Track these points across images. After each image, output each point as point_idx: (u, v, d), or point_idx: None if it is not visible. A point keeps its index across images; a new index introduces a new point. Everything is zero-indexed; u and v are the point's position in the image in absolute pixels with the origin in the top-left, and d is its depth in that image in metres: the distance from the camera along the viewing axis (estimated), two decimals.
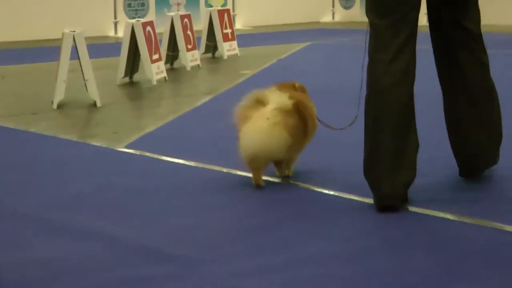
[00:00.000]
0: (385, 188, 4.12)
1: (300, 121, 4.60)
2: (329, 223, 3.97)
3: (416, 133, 4.25)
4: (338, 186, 4.57)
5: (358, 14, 18.24)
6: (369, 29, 4.29)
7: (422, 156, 5.12)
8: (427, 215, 4.06)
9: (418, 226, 3.92)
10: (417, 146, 4.26)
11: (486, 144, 4.56)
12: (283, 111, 4.49)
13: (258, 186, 4.58)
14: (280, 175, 4.77)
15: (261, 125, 4.44)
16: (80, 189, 4.67)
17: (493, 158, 4.67)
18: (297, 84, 4.87)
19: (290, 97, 4.60)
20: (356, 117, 4.56)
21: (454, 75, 4.48)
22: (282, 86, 4.75)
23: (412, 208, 4.15)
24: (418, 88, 4.36)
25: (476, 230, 3.85)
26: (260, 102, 4.55)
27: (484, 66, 4.49)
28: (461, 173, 4.68)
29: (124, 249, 3.66)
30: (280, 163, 4.70)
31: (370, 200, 4.28)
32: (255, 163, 4.53)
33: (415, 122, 4.26)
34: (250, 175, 4.81)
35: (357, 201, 4.33)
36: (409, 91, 4.19)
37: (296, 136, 4.56)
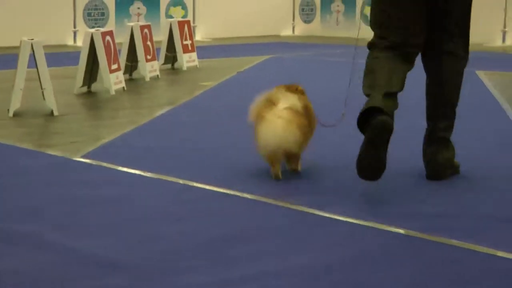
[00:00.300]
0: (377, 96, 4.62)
1: (307, 119, 5.03)
2: (287, 238, 3.98)
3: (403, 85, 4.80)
4: (298, 201, 4.58)
5: (318, 28, 18.35)
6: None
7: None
8: (384, 230, 4.08)
9: (376, 241, 3.94)
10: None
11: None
12: (293, 110, 4.94)
13: (277, 178, 5.00)
14: (291, 169, 5.15)
15: (275, 123, 4.87)
16: (35, 199, 4.63)
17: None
18: (299, 88, 5.21)
19: (299, 98, 5.06)
20: (343, 114, 5.02)
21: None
22: (286, 88, 5.17)
23: (369, 223, 4.17)
24: None
25: (433, 246, 3.88)
26: (271, 102, 5.00)
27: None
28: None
29: (81, 261, 3.63)
30: (293, 157, 5.10)
31: (328, 215, 4.30)
32: (272, 157, 4.98)
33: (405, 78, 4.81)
34: (207, 187, 4.83)
35: (316, 215, 4.34)
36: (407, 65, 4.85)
37: (305, 133, 4.98)
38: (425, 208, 4.47)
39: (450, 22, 4.96)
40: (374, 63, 4.85)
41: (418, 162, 5.22)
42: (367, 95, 4.73)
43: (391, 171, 5.25)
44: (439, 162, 5.04)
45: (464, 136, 5.64)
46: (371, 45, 4.98)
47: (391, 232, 4.05)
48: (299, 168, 5.20)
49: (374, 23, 4.98)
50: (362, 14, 17.53)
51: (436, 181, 5.01)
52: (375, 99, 4.61)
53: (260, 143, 4.96)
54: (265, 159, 5.05)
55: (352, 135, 6.44)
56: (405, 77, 4.82)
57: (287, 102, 4.99)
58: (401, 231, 4.05)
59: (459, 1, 4.96)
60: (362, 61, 5.01)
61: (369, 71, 4.84)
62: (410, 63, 4.88)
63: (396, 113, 4.76)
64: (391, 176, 5.14)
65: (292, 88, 5.18)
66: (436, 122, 5.06)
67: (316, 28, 18.39)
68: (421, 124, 5.17)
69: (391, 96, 4.69)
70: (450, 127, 5.10)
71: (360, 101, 4.74)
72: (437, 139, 5.06)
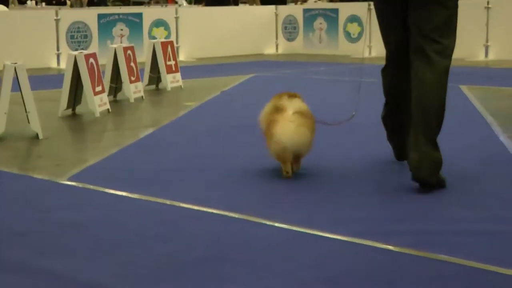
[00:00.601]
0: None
1: (311, 120, 5.57)
2: (273, 257, 3.97)
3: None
4: (283, 219, 4.58)
5: (301, 46, 18.40)
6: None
7: (363, 189, 5.17)
8: (370, 246, 4.08)
9: (361, 257, 3.94)
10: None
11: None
12: (302, 114, 5.50)
13: (287, 175, 5.48)
14: (296, 170, 5.59)
15: (288, 127, 5.41)
16: (19, 223, 4.61)
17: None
18: (297, 94, 5.74)
19: (302, 103, 5.63)
20: (353, 114, 6.00)
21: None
22: (287, 95, 5.69)
23: (355, 240, 4.17)
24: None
25: (421, 261, 3.88)
26: (280, 108, 5.52)
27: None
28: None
29: (64, 285, 3.61)
30: (299, 157, 5.58)
31: (315, 232, 4.30)
32: (285, 156, 5.46)
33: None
34: (193, 207, 4.83)
35: (302, 233, 4.34)
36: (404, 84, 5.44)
37: (312, 133, 5.53)
38: (412, 224, 4.47)
39: (427, 29, 5.27)
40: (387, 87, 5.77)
41: (403, 176, 5.22)
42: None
43: (377, 185, 5.26)
44: (427, 166, 5.09)
45: (449, 150, 5.65)
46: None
47: (379, 248, 4.05)
48: (299, 167, 5.62)
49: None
50: (345, 31, 17.61)
51: (422, 185, 5.09)
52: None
53: (274, 144, 5.45)
54: (277, 158, 5.54)
55: (343, 137, 6.46)
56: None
57: (294, 107, 5.52)
58: (389, 247, 4.05)
59: (430, 11, 5.27)
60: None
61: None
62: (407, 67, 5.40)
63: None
64: (378, 191, 5.15)
65: (292, 95, 5.69)
66: (420, 125, 5.14)
67: (299, 46, 18.43)
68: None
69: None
70: (434, 130, 5.18)
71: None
72: (425, 141, 5.13)
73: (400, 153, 5.86)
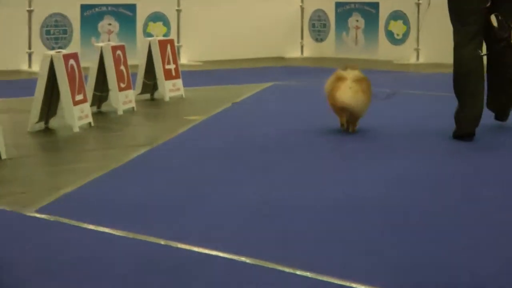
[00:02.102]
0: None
1: (367, 87, 8.50)
2: None
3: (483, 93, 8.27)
4: (306, 265, 4.53)
5: (332, 48, 18.34)
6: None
7: (394, 218, 5.14)
8: None
9: None
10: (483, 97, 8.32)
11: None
12: (359, 81, 8.40)
13: (343, 127, 8.51)
14: (352, 130, 8.51)
15: (347, 91, 8.33)
16: None
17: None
18: (356, 66, 8.76)
19: (361, 73, 8.56)
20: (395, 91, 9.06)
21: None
22: (351, 67, 8.64)
23: None
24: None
25: None
26: (341, 78, 8.42)
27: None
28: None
29: None
30: (354, 118, 8.52)
31: (344, 282, 4.26)
32: (343, 113, 8.44)
33: (484, 83, 8.25)
34: (193, 249, 4.82)
35: (330, 283, 4.31)
36: (480, 64, 8.22)
37: (367, 97, 8.42)
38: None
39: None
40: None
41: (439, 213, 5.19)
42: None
43: (406, 213, 5.23)
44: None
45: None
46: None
47: None
48: (356, 129, 8.48)
49: (451, 16, 8.38)
50: (386, 31, 17.58)
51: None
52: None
53: (337, 104, 8.35)
54: (337, 114, 8.48)
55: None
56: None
57: (353, 76, 8.41)
58: None
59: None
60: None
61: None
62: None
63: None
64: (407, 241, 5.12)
65: (353, 66, 8.63)
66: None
67: (329, 48, 18.42)
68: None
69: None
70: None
71: None
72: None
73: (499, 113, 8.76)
